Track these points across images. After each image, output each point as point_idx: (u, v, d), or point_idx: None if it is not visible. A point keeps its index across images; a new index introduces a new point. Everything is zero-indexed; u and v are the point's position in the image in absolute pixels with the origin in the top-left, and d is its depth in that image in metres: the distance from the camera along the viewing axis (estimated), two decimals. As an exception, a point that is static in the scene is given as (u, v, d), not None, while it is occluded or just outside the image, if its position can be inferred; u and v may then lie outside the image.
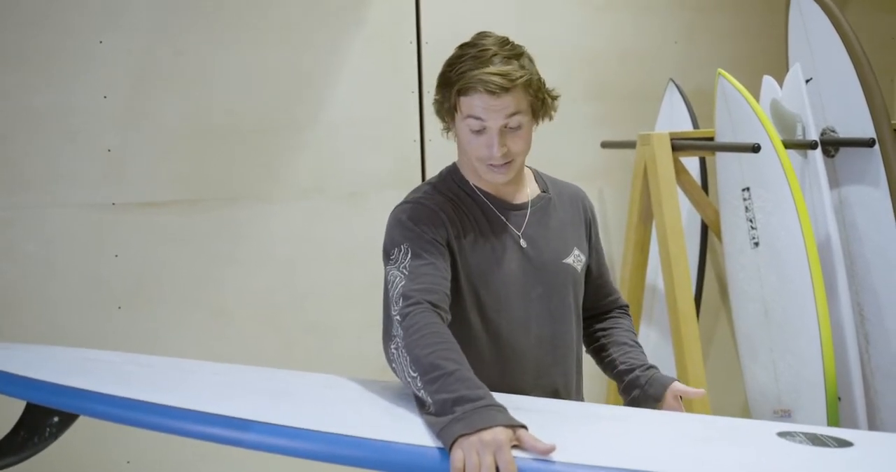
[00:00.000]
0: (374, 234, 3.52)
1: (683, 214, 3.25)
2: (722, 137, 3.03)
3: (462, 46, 1.79)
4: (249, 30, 3.24)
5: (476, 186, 1.83)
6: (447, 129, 1.85)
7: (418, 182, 3.58)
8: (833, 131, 2.97)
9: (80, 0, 3.04)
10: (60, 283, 3.05)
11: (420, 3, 3.48)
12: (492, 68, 1.69)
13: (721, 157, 3.07)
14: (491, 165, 1.74)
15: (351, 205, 3.41)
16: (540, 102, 1.77)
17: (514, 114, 1.71)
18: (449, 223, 1.75)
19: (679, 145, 3.05)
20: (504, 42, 1.78)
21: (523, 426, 1.38)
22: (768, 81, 3.04)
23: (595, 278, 1.97)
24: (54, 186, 3.04)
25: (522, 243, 1.82)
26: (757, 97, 2.98)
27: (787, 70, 3.05)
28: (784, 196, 2.76)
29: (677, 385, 1.81)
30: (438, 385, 1.45)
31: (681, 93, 3.54)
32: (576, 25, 3.74)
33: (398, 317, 1.59)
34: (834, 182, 3.00)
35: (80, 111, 3.05)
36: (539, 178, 1.94)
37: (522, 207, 1.85)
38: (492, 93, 1.68)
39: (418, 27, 3.49)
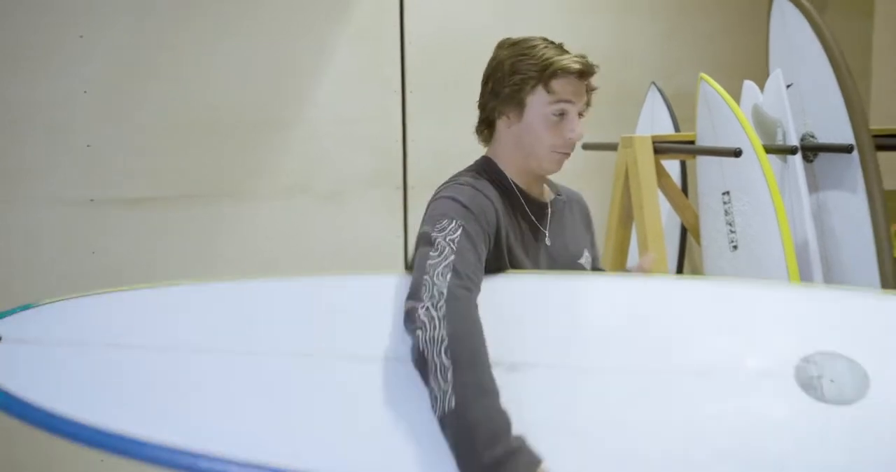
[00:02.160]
0: (357, 232, 3.55)
1: (663, 217, 3.27)
2: (703, 141, 3.05)
3: (518, 41, 1.81)
4: (233, 26, 3.22)
5: (513, 182, 1.82)
6: (488, 124, 1.83)
7: (401, 181, 3.61)
8: (812, 137, 2.99)
9: (60, -6, 3.01)
10: (36, 280, 3.02)
11: (404, 2, 3.47)
12: (574, 55, 1.77)
13: (702, 160, 3.08)
14: (559, 152, 1.78)
15: (334, 203, 3.40)
16: (591, 93, 1.83)
17: (586, 101, 1.80)
18: (498, 215, 1.72)
19: (661, 148, 3.06)
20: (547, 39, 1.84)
21: (540, 462, 1.38)
22: (749, 86, 3.06)
23: None
24: (31, 181, 3.00)
25: (547, 241, 1.84)
26: (737, 101, 3.00)
27: (768, 74, 3.07)
28: (764, 200, 2.77)
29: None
30: (471, 394, 1.40)
31: (662, 95, 3.56)
32: (557, 27, 3.74)
33: (445, 290, 1.50)
34: (813, 187, 3.02)
35: (59, 106, 3.02)
36: (550, 183, 1.96)
37: (545, 206, 1.87)
38: (581, 75, 1.75)
39: (402, 27, 3.48)
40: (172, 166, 3.17)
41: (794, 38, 3.07)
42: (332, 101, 3.40)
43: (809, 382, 1.55)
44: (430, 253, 1.57)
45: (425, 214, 1.70)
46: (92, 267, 3.08)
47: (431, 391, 1.43)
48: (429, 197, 1.73)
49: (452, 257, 1.55)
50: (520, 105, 1.77)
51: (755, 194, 2.81)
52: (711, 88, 2.96)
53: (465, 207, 1.65)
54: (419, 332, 1.47)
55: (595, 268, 2.03)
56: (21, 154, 2.98)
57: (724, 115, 2.91)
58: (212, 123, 3.21)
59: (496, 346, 1.52)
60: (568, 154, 1.80)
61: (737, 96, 3.03)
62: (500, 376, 1.47)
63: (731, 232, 2.90)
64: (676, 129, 3.45)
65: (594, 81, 1.81)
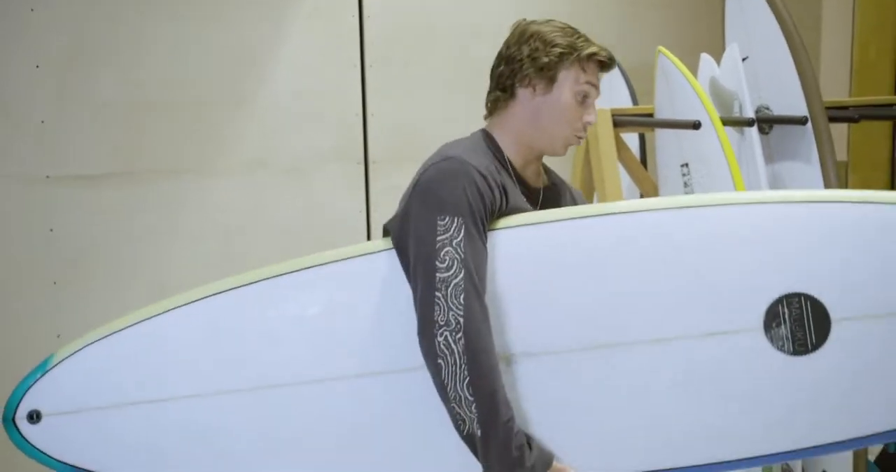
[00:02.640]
0: (319, 207, 3.54)
1: (623, 189, 3.31)
2: (661, 114, 3.09)
3: (550, 20, 1.86)
4: (192, 2, 3.17)
5: (509, 160, 1.81)
6: (510, 93, 1.81)
7: (361, 156, 3.60)
8: (768, 109, 3.05)
9: (10, -34, 2.93)
10: (-6, 258, 2.97)
11: (362, -24, 3.46)
12: (601, 45, 1.84)
13: (660, 133, 3.13)
14: (577, 136, 1.83)
15: (294, 179, 3.39)
16: None
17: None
18: (498, 191, 1.70)
19: (620, 121, 3.10)
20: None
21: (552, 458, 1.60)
22: (706, 59, 3.10)
23: None
24: (-15, 158, 2.95)
25: None
26: (695, 74, 3.04)
27: (723, 48, 3.12)
28: (722, 171, 2.83)
29: None
30: (493, 423, 1.56)
31: (620, 69, 3.59)
32: (514, 2, 3.76)
33: (462, 317, 1.55)
34: (769, 158, 3.09)
35: (10, 82, 2.96)
36: (549, 171, 1.97)
37: (536, 191, 1.86)
38: (605, 65, 1.83)
39: (360, 1, 3.46)
40: (130, 143, 3.13)
41: (748, 13, 3.11)
42: (291, 76, 3.37)
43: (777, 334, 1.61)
44: (438, 265, 1.57)
45: (417, 190, 1.65)
46: (50, 244, 3.03)
47: (455, 415, 1.58)
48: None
49: (463, 274, 1.56)
50: (552, 79, 1.78)
51: (713, 166, 2.86)
52: (669, 62, 3.00)
53: (461, 189, 1.61)
54: (440, 362, 1.56)
55: None
56: (-27, 131, 2.92)
57: (682, 88, 2.95)
58: (170, 98, 3.17)
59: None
60: (579, 139, 1.83)
61: (694, 70, 3.07)
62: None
63: (691, 203, 2.96)
64: (635, 102, 3.49)
65: None
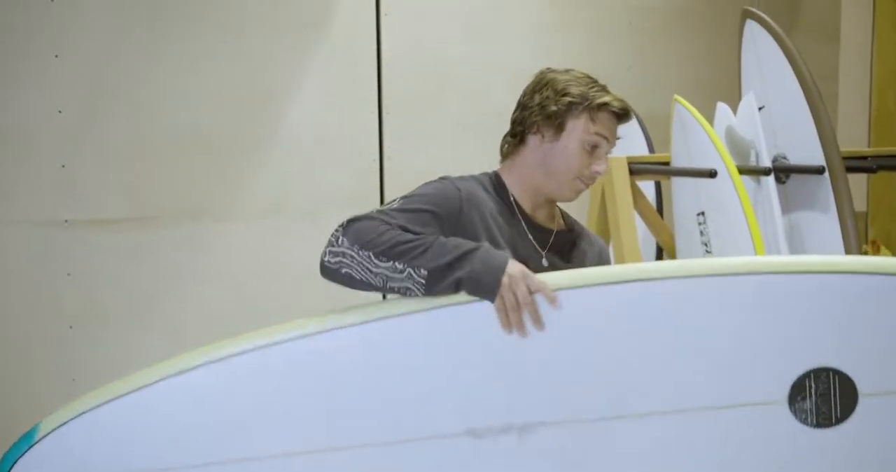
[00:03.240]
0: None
1: (639, 238, 3.30)
2: (677, 162, 3.09)
3: (569, 69, 1.86)
4: (211, 47, 3.22)
5: (515, 199, 1.85)
6: (520, 139, 1.85)
7: (377, 200, 3.61)
8: (784, 158, 3.04)
9: (36, 14, 2.99)
10: (10, 301, 2.99)
11: (381, 22, 3.50)
12: (617, 96, 1.83)
13: (677, 181, 3.13)
14: (584, 183, 1.83)
15: (310, 223, 3.40)
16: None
17: (617, 140, 1.85)
18: (465, 212, 1.74)
19: (636, 169, 3.10)
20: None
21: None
22: (722, 108, 3.11)
23: None
24: (5, 202, 2.98)
25: (544, 261, 1.83)
26: (710, 123, 3.04)
27: (740, 96, 3.13)
28: (738, 221, 2.81)
29: None
30: (426, 258, 1.53)
31: (636, 117, 3.60)
32: (531, 48, 3.80)
33: (342, 231, 1.62)
34: (785, 208, 3.07)
35: (34, 126, 3.00)
36: (566, 217, 1.98)
37: (548, 232, 1.88)
38: (619, 117, 1.83)
39: (379, 47, 3.50)
40: (148, 187, 3.15)
41: (764, 62, 3.13)
42: (309, 121, 3.40)
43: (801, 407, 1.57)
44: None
45: None
46: (68, 288, 3.04)
47: (400, 287, 1.56)
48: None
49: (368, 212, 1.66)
50: (560, 127, 1.80)
51: (730, 215, 2.85)
52: (686, 110, 3.01)
53: (423, 194, 1.72)
54: (344, 269, 1.60)
55: None
56: (-5, 174, 2.96)
57: (699, 136, 2.95)
58: (188, 143, 3.20)
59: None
60: (587, 186, 1.84)
61: (710, 118, 3.07)
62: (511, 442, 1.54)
63: (707, 252, 2.94)
64: (651, 150, 3.49)
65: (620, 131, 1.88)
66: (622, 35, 3.95)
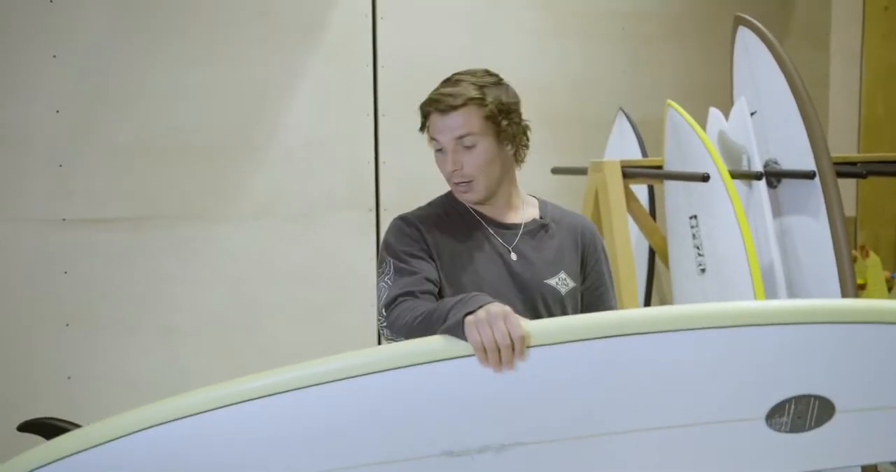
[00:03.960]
0: (326, 254, 3.57)
1: (632, 240, 3.33)
2: (670, 166, 3.13)
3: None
4: (207, 49, 3.24)
5: (471, 207, 1.90)
6: None
7: (372, 204, 3.64)
8: (776, 163, 3.08)
9: (33, 14, 3.00)
10: (7, 299, 3.00)
11: (377, 26, 3.52)
12: (442, 89, 1.81)
13: (669, 185, 3.16)
14: (455, 183, 1.85)
15: (303, 225, 3.42)
16: (498, 125, 1.82)
17: (465, 134, 1.79)
18: (426, 234, 1.85)
19: (629, 173, 3.13)
20: (476, 71, 1.87)
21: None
22: (715, 113, 3.14)
23: (587, 304, 1.98)
24: (3, 200, 2.99)
25: (513, 255, 1.87)
26: (703, 127, 3.08)
27: (732, 101, 3.17)
28: (730, 224, 2.85)
29: None
30: (435, 318, 1.57)
31: (630, 121, 3.64)
32: (526, 52, 3.83)
33: (385, 323, 1.74)
34: (776, 212, 3.11)
35: (31, 126, 3.01)
36: (543, 206, 1.99)
37: (514, 227, 1.90)
38: (442, 111, 1.79)
39: (375, 50, 3.53)
40: (144, 187, 3.17)
41: (756, 68, 3.16)
42: (305, 123, 3.42)
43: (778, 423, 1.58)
44: (378, 297, 1.80)
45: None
46: (64, 286, 3.06)
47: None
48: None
49: (385, 294, 1.78)
50: (431, 138, 1.86)
51: (722, 218, 2.88)
52: (679, 115, 3.04)
53: (390, 241, 1.84)
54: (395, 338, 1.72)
55: (593, 295, 1.99)
56: (-8, 173, 2.97)
57: (691, 141, 2.99)
58: (184, 144, 3.22)
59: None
60: (460, 184, 1.84)
61: (702, 123, 3.11)
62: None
63: (699, 255, 2.97)
64: (644, 154, 3.53)
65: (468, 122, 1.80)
66: (616, 40, 3.99)
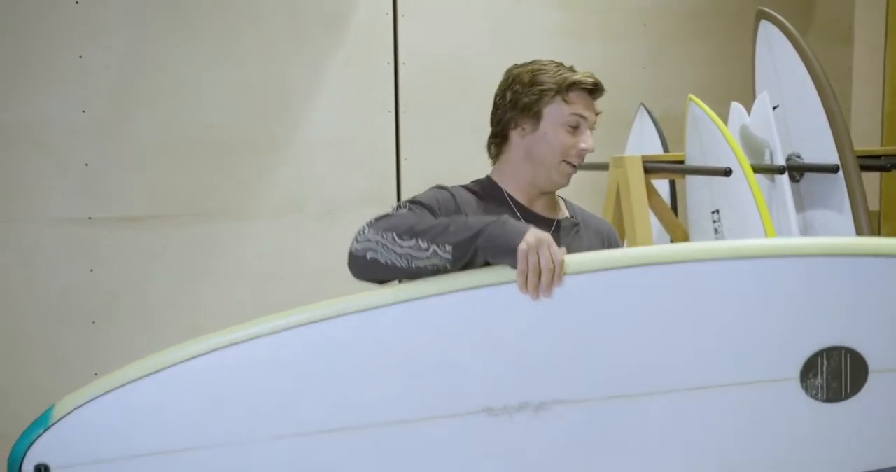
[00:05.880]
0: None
1: (654, 235, 3.33)
2: (692, 161, 3.12)
3: (533, 61, 1.90)
4: (230, 48, 3.27)
5: (510, 195, 1.89)
6: (503, 138, 1.89)
7: (394, 200, 3.65)
8: (798, 157, 3.07)
9: (60, 15, 3.04)
10: (34, 296, 3.04)
11: (398, 24, 3.54)
12: (583, 72, 1.86)
13: (691, 180, 3.15)
14: (569, 163, 1.85)
15: (327, 223, 3.44)
16: (598, 115, 1.90)
17: (597, 114, 1.88)
18: (461, 206, 1.80)
19: (651, 168, 3.13)
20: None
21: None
22: (737, 108, 3.13)
23: None
24: (31, 199, 3.03)
25: None
26: (725, 122, 3.07)
27: (753, 96, 3.15)
28: (753, 219, 2.84)
29: None
30: (449, 234, 1.54)
31: (651, 117, 3.63)
32: (547, 50, 3.81)
33: (366, 224, 1.67)
34: (799, 206, 3.09)
35: (58, 125, 3.05)
36: (569, 206, 2.01)
37: (550, 222, 1.90)
38: (591, 92, 1.85)
39: (396, 48, 3.54)
40: (169, 185, 3.20)
41: (779, 62, 3.15)
42: (327, 121, 3.44)
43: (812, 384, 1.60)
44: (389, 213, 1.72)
45: None
46: (90, 284, 3.09)
47: (424, 265, 1.56)
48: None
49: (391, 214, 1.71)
50: (537, 116, 1.84)
51: (744, 213, 2.87)
52: (700, 110, 3.03)
53: (421, 198, 1.78)
54: (369, 255, 1.63)
55: None
56: (20, 173, 3.01)
57: (713, 135, 2.98)
58: (208, 142, 3.25)
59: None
60: (576, 167, 1.86)
61: (724, 118, 3.10)
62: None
63: (722, 250, 2.96)
64: (665, 149, 3.52)
65: (599, 105, 1.88)
66: (637, 37, 3.99)
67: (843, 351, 1.60)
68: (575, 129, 1.84)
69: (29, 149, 3.01)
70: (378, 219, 1.68)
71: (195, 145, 3.23)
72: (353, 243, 1.67)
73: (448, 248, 1.54)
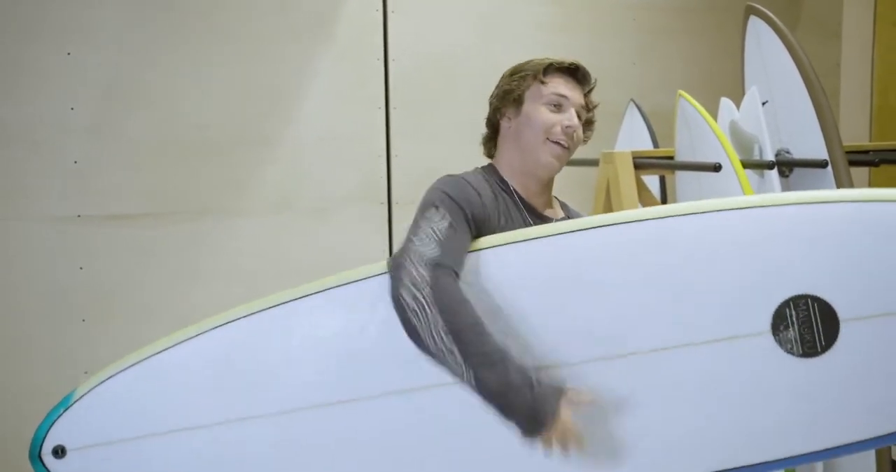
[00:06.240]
0: (341, 248, 3.59)
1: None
2: (682, 156, 3.13)
3: (529, 60, 1.94)
4: (219, 45, 3.26)
5: (514, 189, 1.90)
6: (493, 130, 1.93)
7: (384, 197, 3.66)
8: (787, 152, 3.08)
9: (48, 11, 3.03)
10: (24, 294, 3.03)
11: (388, 20, 3.54)
12: (568, 58, 1.92)
13: (681, 175, 3.16)
14: (555, 141, 1.85)
15: (318, 220, 3.44)
16: (589, 123, 1.94)
17: (585, 109, 1.90)
18: (486, 204, 1.80)
19: (641, 164, 3.13)
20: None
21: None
22: (726, 103, 3.14)
23: None
24: (19, 197, 3.01)
25: None
26: (714, 118, 3.08)
27: (743, 92, 3.16)
28: (742, 214, 2.84)
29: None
30: (486, 368, 1.54)
31: (641, 112, 3.64)
32: (535, 45, 3.82)
33: (429, 278, 1.60)
34: (788, 201, 3.10)
35: (46, 123, 3.04)
36: (565, 207, 2.02)
37: (548, 220, 1.91)
38: (574, 77, 1.89)
39: (386, 44, 3.54)
40: (159, 183, 3.19)
41: (768, 58, 3.16)
42: (317, 118, 3.44)
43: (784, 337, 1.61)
44: (416, 234, 1.68)
45: (424, 195, 1.80)
46: (80, 282, 3.08)
47: (447, 366, 1.58)
48: (413, 212, 1.78)
49: (433, 247, 1.65)
50: (518, 101, 1.87)
51: (734, 208, 2.88)
52: (690, 105, 3.04)
53: (449, 195, 1.74)
54: (413, 318, 1.58)
55: None
56: (9, 170, 2.99)
57: (703, 131, 2.99)
58: (197, 140, 3.24)
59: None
60: (562, 145, 1.86)
61: (713, 113, 3.11)
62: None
63: (712, 245, 2.97)
64: (655, 145, 3.53)
65: (595, 98, 1.91)
66: (627, 32, 3.99)
67: (808, 299, 1.60)
68: (557, 107, 1.86)
69: (18, 147, 3.00)
70: (437, 272, 1.61)
71: (185, 143, 3.22)
72: (405, 285, 1.61)
73: (476, 383, 1.56)
